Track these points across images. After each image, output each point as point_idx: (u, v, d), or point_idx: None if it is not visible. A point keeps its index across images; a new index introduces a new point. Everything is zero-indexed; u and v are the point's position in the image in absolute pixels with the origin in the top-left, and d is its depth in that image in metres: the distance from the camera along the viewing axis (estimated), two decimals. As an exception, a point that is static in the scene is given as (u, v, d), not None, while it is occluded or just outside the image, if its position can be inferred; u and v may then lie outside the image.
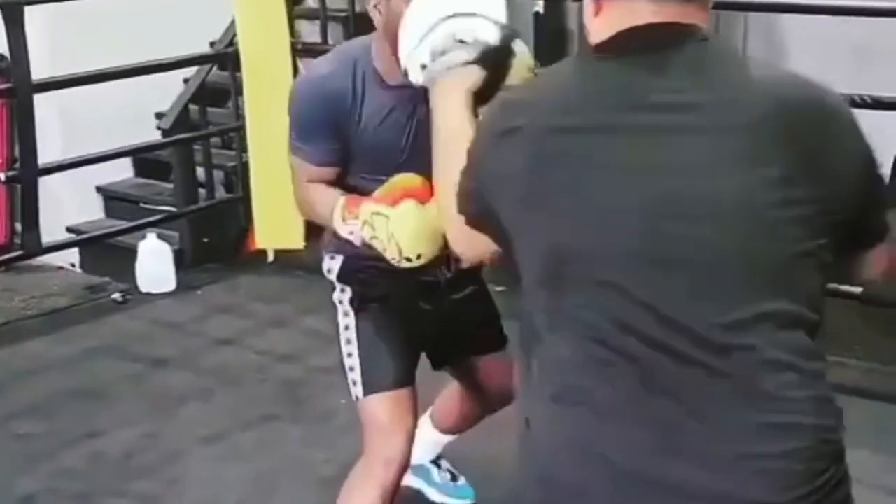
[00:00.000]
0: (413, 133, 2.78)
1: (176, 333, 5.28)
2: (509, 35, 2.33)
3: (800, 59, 4.46)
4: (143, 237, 5.77)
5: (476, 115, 1.98)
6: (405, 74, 2.44)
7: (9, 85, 4.98)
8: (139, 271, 5.77)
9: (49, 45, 5.56)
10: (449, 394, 3.39)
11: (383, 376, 2.95)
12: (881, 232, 1.70)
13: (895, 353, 4.27)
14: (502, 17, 2.38)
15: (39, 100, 5.05)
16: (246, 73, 5.31)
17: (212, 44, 6.25)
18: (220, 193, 6.16)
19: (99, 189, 6.42)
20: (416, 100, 2.77)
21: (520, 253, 1.70)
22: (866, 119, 1.70)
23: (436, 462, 3.58)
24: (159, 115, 6.05)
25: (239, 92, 5.56)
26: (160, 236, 5.81)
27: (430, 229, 2.48)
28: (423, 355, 3.13)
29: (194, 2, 6.13)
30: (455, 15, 2.27)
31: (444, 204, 1.92)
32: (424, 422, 3.44)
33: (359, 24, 5.54)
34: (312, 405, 4.44)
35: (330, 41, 5.81)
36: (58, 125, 5.93)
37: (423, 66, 2.28)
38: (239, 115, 5.67)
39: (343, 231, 2.73)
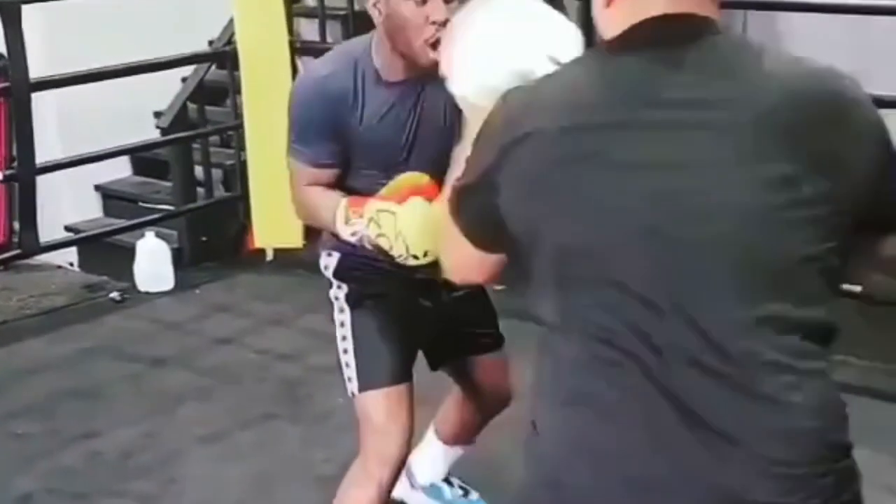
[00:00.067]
0: (413, 130, 2.78)
1: (174, 333, 5.27)
2: None
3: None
4: (142, 236, 5.76)
5: None
6: (445, 78, 2.28)
7: (6, 84, 4.97)
8: (137, 270, 5.76)
9: (47, 44, 5.56)
10: (448, 403, 3.38)
11: (379, 373, 2.94)
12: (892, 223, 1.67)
13: None
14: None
15: (37, 98, 5.05)
16: (244, 72, 5.31)
17: (210, 42, 6.24)
18: (219, 192, 6.15)
19: (97, 188, 6.41)
20: (416, 97, 2.77)
21: (529, 256, 1.67)
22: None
23: (447, 480, 3.56)
24: (158, 114, 6.04)
25: (237, 91, 5.56)
26: (158, 235, 5.80)
27: (437, 227, 2.47)
28: (422, 356, 3.12)
29: (193, 0, 6.13)
30: (551, 59, 2.04)
31: (443, 228, 1.89)
32: (430, 437, 3.44)
33: (357, 22, 5.54)
34: (311, 404, 4.44)
35: (329, 39, 5.80)
36: (56, 124, 5.92)
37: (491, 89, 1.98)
38: (237, 114, 5.67)
39: (346, 232, 2.72)
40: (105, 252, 5.97)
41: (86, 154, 5.46)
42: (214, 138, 6.23)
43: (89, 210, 6.37)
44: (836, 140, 1.55)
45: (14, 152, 5.52)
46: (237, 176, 5.89)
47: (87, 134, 5.68)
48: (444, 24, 2.63)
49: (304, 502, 3.76)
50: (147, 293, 5.72)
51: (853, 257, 1.61)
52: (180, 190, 6.00)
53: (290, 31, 5.48)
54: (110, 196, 6.44)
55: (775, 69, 1.58)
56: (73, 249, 6.13)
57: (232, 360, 4.90)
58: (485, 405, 3.28)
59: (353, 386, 2.97)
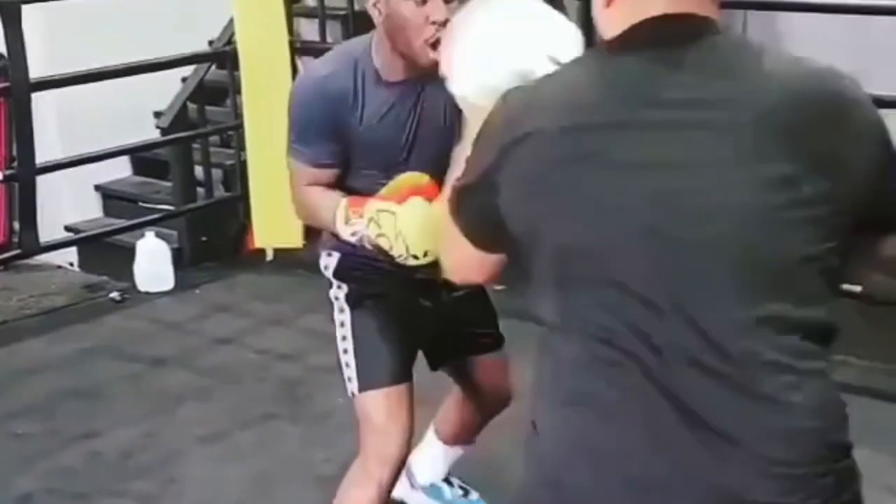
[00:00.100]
0: (413, 130, 2.79)
1: (174, 333, 5.27)
2: None
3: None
4: (142, 236, 5.76)
5: None
6: (445, 78, 2.28)
7: (6, 84, 4.97)
8: (137, 270, 5.76)
9: (47, 44, 5.55)
10: (448, 403, 3.38)
11: (378, 372, 2.94)
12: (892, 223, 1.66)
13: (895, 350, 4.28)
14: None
15: (37, 98, 5.04)
16: (244, 72, 5.31)
17: (210, 42, 6.24)
18: (219, 192, 6.14)
19: (97, 188, 6.41)
20: (416, 97, 2.77)
21: (529, 255, 1.67)
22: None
23: (447, 480, 3.56)
24: (158, 114, 6.04)
25: (237, 90, 5.56)
26: (158, 235, 5.80)
27: (437, 227, 2.47)
28: (421, 356, 3.12)
29: (192, 0, 6.13)
30: (551, 59, 2.03)
31: (443, 228, 1.88)
32: (429, 437, 3.44)
33: (357, 22, 5.54)
34: (311, 404, 4.44)
35: (329, 39, 5.80)
36: (56, 124, 5.92)
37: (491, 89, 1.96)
38: (237, 114, 5.67)
39: (345, 232, 2.72)
40: (105, 252, 5.97)
41: (86, 154, 5.46)
42: (214, 138, 6.23)
43: (89, 210, 6.37)
44: (836, 140, 1.54)
45: (14, 152, 5.52)
46: (237, 176, 5.89)
47: (87, 134, 5.68)
48: (444, 24, 2.63)
49: (303, 502, 3.76)
50: (147, 293, 5.72)
51: (853, 257, 1.61)
52: (180, 190, 6.00)
53: (290, 30, 5.48)
54: (110, 196, 6.44)
55: (775, 69, 1.58)
56: (73, 249, 6.13)
57: (232, 360, 4.90)
58: (485, 405, 3.28)
59: (352, 386, 2.97)
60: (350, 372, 2.96)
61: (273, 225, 5.14)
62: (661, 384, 1.54)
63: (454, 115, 2.54)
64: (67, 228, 6.10)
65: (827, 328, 1.57)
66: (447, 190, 1.94)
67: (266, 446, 4.13)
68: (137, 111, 5.98)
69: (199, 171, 6.04)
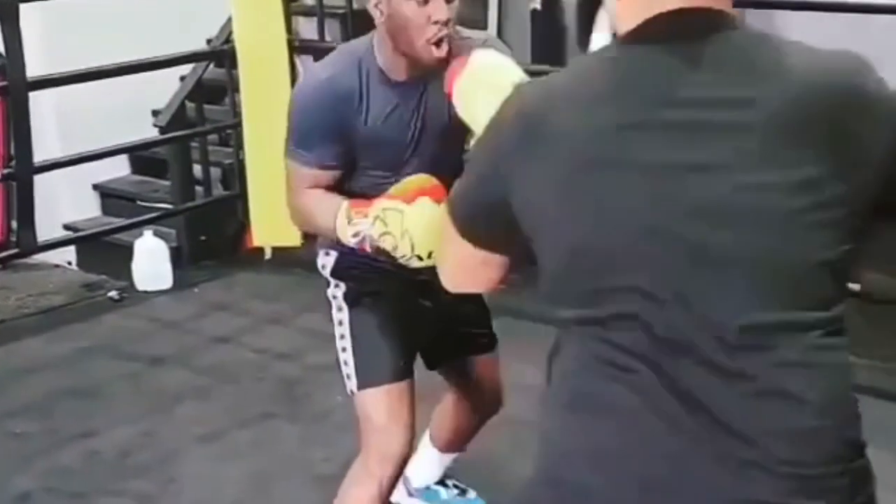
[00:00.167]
0: (418, 129, 2.78)
1: (173, 331, 5.27)
2: None
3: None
4: (140, 235, 5.76)
5: None
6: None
7: (4, 83, 4.96)
8: (136, 269, 5.76)
9: (44, 43, 5.55)
10: (442, 408, 3.37)
11: (378, 370, 2.94)
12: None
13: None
14: None
15: (35, 97, 5.04)
16: (243, 71, 5.31)
17: (208, 41, 6.23)
18: (217, 191, 6.14)
19: (95, 186, 6.40)
20: (419, 96, 2.77)
21: (539, 258, 1.64)
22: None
23: (442, 482, 3.56)
24: (156, 113, 6.03)
25: (236, 89, 5.56)
26: (157, 234, 5.79)
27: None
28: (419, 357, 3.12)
29: (191, -1, 6.13)
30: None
31: (442, 231, 1.85)
32: (424, 443, 3.44)
33: (356, 20, 5.54)
34: (310, 403, 4.43)
35: (327, 38, 5.80)
36: (54, 123, 5.91)
37: None
38: (236, 113, 5.67)
39: (347, 234, 2.69)
40: (103, 251, 5.97)
41: (84, 153, 5.45)
42: (213, 137, 6.23)
43: (88, 209, 6.36)
44: (858, 133, 1.51)
45: (12, 151, 5.51)
46: (236, 175, 5.88)
47: (85, 133, 5.67)
48: (445, 23, 2.63)
49: (302, 501, 3.76)
50: (145, 292, 5.72)
51: (873, 250, 1.58)
52: (179, 189, 5.99)
53: (289, 29, 5.48)
54: (109, 195, 6.43)
55: (794, 64, 1.54)
56: (72, 248, 6.13)
57: (230, 359, 4.89)
58: (480, 406, 3.29)
59: (351, 384, 2.96)
60: (349, 370, 2.96)
61: (271, 224, 5.14)
62: (669, 384, 1.52)
63: (458, 115, 2.53)
64: (66, 227, 6.10)
65: (839, 326, 1.55)
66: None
67: (264, 445, 4.12)
68: (135, 110, 5.97)
69: (197, 169, 6.04)
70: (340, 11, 5.90)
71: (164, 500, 3.83)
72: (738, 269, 1.50)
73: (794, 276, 1.51)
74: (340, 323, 2.98)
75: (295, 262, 5.35)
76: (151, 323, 5.37)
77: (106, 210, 6.42)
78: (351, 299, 2.96)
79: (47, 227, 5.46)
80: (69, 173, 5.67)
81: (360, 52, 2.78)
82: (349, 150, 2.78)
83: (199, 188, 6.05)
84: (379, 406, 2.93)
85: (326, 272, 3.00)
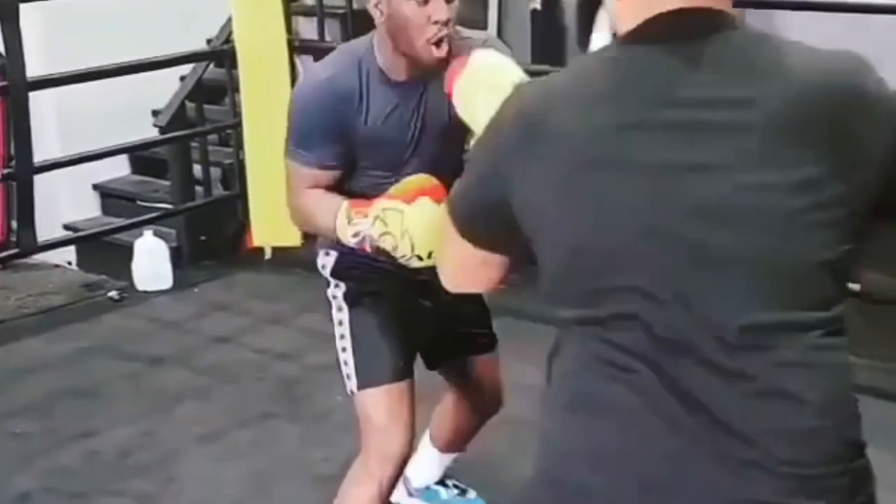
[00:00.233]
0: (418, 129, 2.78)
1: (172, 331, 5.26)
2: None
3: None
4: (140, 235, 5.75)
5: None
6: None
7: (4, 83, 4.96)
8: (136, 269, 5.76)
9: (45, 43, 5.55)
10: (442, 409, 3.37)
11: (378, 370, 2.93)
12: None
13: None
14: None
15: (35, 97, 5.03)
16: (242, 71, 5.31)
17: (208, 41, 6.23)
18: (218, 191, 6.14)
19: (95, 186, 6.40)
20: (419, 96, 2.77)
21: (539, 258, 1.63)
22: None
23: (442, 482, 3.56)
24: (156, 113, 6.03)
25: (236, 89, 5.56)
26: (157, 234, 5.79)
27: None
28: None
29: (191, -1, 6.13)
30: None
31: (442, 231, 1.84)
32: (424, 443, 3.44)
33: (356, 20, 5.54)
34: (310, 403, 4.43)
35: (327, 38, 5.79)
36: (54, 123, 5.91)
37: None
38: (236, 113, 5.67)
39: (347, 233, 2.68)
40: (103, 251, 5.97)
41: (84, 153, 5.44)
42: (213, 137, 6.23)
43: (88, 209, 6.36)
44: (859, 133, 1.50)
45: (12, 151, 5.51)
46: (236, 174, 5.88)
47: (85, 133, 5.67)
48: (445, 23, 2.63)
49: (302, 501, 3.76)
50: (145, 292, 5.72)
51: (873, 250, 1.58)
52: (179, 189, 5.99)
53: (289, 29, 5.48)
54: (109, 195, 6.43)
55: (794, 65, 1.53)
56: (72, 248, 6.13)
57: (230, 359, 4.89)
58: (481, 405, 3.29)
59: (352, 384, 2.96)
60: (349, 370, 2.96)
61: (271, 224, 5.14)
62: (669, 384, 1.52)
63: (457, 115, 2.53)
64: (66, 227, 6.10)
65: (839, 326, 1.55)
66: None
67: (264, 445, 4.12)
68: (135, 110, 5.97)
69: (197, 169, 6.03)
70: (340, 11, 5.90)
71: (164, 500, 3.83)
72: (738, 269, 1.50)
73: (794, 276, 1.50)
74: (340, 323, 2.98)
75: (295, 262, 5.35)
76: (151, 323, 5.37)
77: (106, 210, 6.42)
78: (351, 299, 2.96)
79: (47, 227, 5.46)
80: (69, 173, 5.66)
81: (360, 52, 2.77)
82: (349, 150, 2.77)
83: (199, 188, 6.05)
84: (379, 406, 2.93)
85: (326, 272, 2.99)
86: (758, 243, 1.49)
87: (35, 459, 4.08)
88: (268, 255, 5.64)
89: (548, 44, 5.92)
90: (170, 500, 3.83)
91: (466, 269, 1.85)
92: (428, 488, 3.53)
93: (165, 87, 5.97)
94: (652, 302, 1.52)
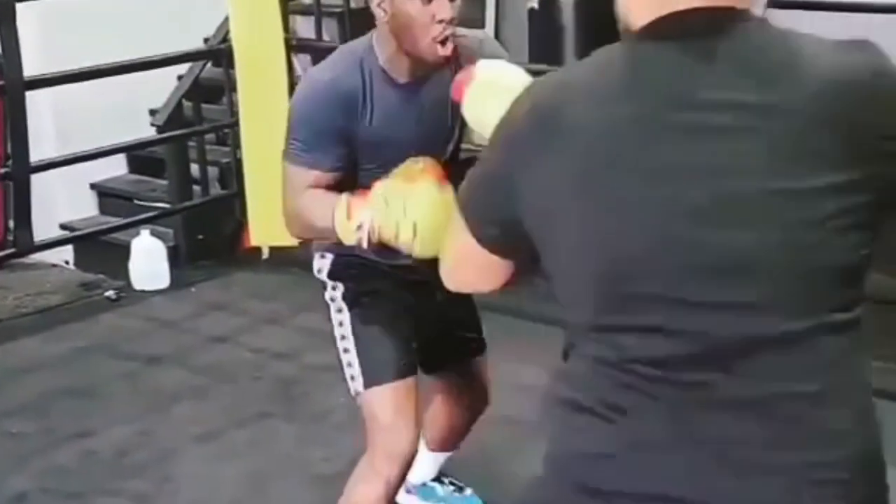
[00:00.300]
0: (420, 128, 2.77)
1: (170, 331, 5.26)
2: None
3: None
4: (137, 234, 5.75)
5: None
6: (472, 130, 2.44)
7: (0, 82, 4.95)
8: (133, 268, 5.75)
9: (41, 42, 5.54)
10: (433, 410, 3.36)
11: (383, 368, 2.92)
12: None
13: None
14: None
15: (32, 97, 5.03)
16: (240, 70, 5.30)
17: (206, 40, 6.22)
18: (215, 190, 6.13)
19: (93, 186, 6.40)
20: (422, 95, 2.76)
21: (548, 262, 1.61)
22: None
23: (438, 479, 3.55)
24: (153, 112, 6.02)
25: (233, 88, 5.55)
26: (154, 233, 5.78)
27: (446, 211, 2.40)
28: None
29: (188, -2, 6.13)
30: None
31: (450, 239, 1.81)
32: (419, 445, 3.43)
33: (353, 19, 5.54)
34: (307, 403, 4.42)
35: (325, 37, 5.79)
36: (51, 122, 5.91)
37: None
38: (233, 112, 5.66)
39: (348, 229, 2.64)
40: (100, 250, 5.96)
41: (81, 152, 5.43)
42: (210, 136, 6.22)
43: (85, 208, 6.36)
44: (881, 127, 1.48)
45: (9, 151, 5.50)
46: (233, 174, 5.87)
47: (82, 132, 5.67)
48: (450, 21, 2.63)
49: (299, 501, 3.75)
50: (142, 291, 5.71)
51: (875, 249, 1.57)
52: (176, 188, 5.99)
53: (286, 28, 5.47)
54: (106, 194, 6.43)
55: (815, 64, 1.50)
56: (69, 248, 6.13)
57: (227, 359, 4.88)
58: (473, 404, 3.30)
59: (356, 384, 2.94)
60: (353, 371, 2.94)
61: (269, 223, 5.12)
62: (688, 391, 1.50)
63: (458, 112, 2.53)
64: (63, 227, 6.10)
65: (860, 325, 1.54)
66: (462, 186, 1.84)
67: (261, 445, 4.11)
68: (133, 109, 5.97)
69: (195, 168, 6.03)
70: (338, 10, 5.89)
71: (161, 499, 3.82)
72: (761, 274, 1.47)
73: (817, 280, 1.49)
74: (341, 324, 2.97)
75: (292, 261, 5.34)
76: (148, 322, 5.36)
77: (103, 209, 6.41)
78: (350, 299, 2.95)
79: (44, 226, 5.45)
80: (66, 172, 5.65)
81: (361, 53, 2.76)
82: (352, 151, 2.76)
83: (196, 187, 6.05)
84: (385, 404, 2.92)
85: (323, 275, 2.98)
86: (783, 249, 1.47)
87: (31, 459, 4.07)
88: (265, 254, 5.63)
89: (545, 43, 5.92)
90: (167, 499, 3.82)
91: (476, 266, 1.78)
92: (424, 485, 3.53)
93: (162, 86, 5.96)
94: (674, 310, 1.50)
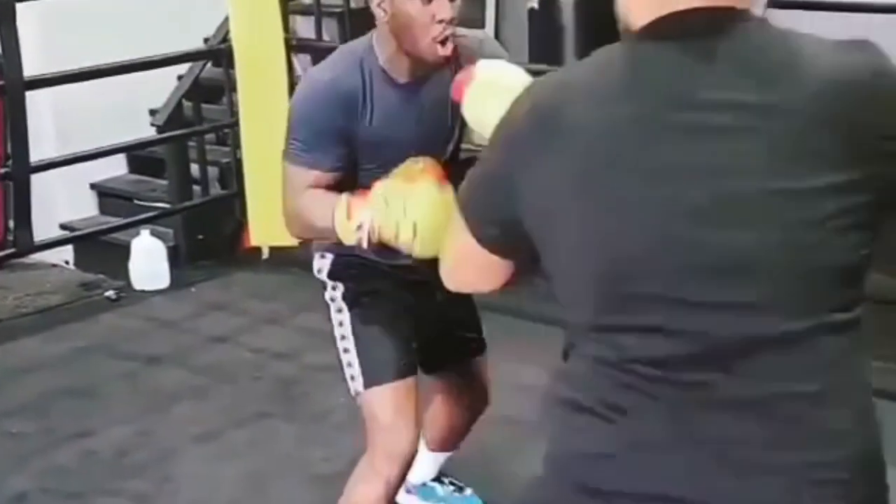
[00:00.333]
0: (420, 128, 2.77)
1: (169, 331, 5.26)
2: None
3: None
4: (137, 234, 5.75)
5: None
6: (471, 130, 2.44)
7: (0, 82, 4.94)
8: (133, 268, 5.75)
9: (41, 42, 5.54)
10: (433, 410, 3.35)
11: (383, 368, 2.92)
12: None
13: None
14: None
15: (32, 97, 5.02)
16: (240, 70, 5.30)
17: (206, 40, 6.22)
18: (215, 190, 6.13)
19: (93, 186, 6.40)
20: (422, 95, 2.76)
21: (548, 262, 1.61)
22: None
23: (438, 479, 3.55)
24: (153, 112, 6.02)
25: (233, 88, 5.55)
26: (154, 233, 5.78)
27: (446, 211, 2.40)
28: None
29: (188, -2, 6.12)
30: None
31: (451, 239, 1.80)
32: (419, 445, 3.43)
33: (353, 19, 5.54)
34: (307, 403, 4.42)
35: (325, 37, 5.79)
36: (51, 122, 5.91)
37: None
38: (233, 112, 5.66)
39: (348, 229, 2.64)
40: (100, 250, 5.96)
41: (81, 152, 5.43)
42: (210, 136, 6.22)
43: (85, 208, 6.35)
44: (882, 134, 1.48)
45: (9, 151, 5.50)
46: (233, 174, 5.87)
47: (82, 132, 5.67)
48: (450, 21, 2.63)
49: (298, 501, 3.75)
50: (142, 291, 5.71)
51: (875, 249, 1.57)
52: (176, 188, 5.98)
53: (286, 28, 5.47)
54: (106, 194, 6.43)
55: (816, 64, 1.50)
56: (69, 248, 6.13)
57: (227, 359, 4.88)
58: (473, 404, 3.30)
59: (356, 384, 2.94)
60: (353, 371, 2.94)
61: (269, 223, 5.12)
62: (688, 391, 1.50)
63: (458, 112, 2.52)
64: (63, 227, 6.09)
65: (860, 325, 1.54)
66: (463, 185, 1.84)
67: (261, 445, 4.11)
68: (133, 109, 5.97)
69: (195, 168, 6.02)
70: (338, 10, 5.89)
71: (161, 499, 3.82)
72: (761, 274, 1.47)
73: (817, 280, 1.49)
74: (341, 324, 2.96)
75: (292, 261, 5.33)
76: (148, 322, 5.36)
77: (103, 209, 6.41)
78: (350, 299, 2.95)
79: (44, 226, 5.45)
80: (66, 172, 5.65)
81: (361, 53, 2.76)
82: (352, 151, 2.76)
83: (196, 187, 6.04)
84: (386, 404, 2.91)
85: (323, 275, 2.98)
86: (783, 249, 1.47)
87: (31, 459, 4.07)
88: (265, 254, 5.63)
89: (545, 43, 5.92)
90: (166, 499, 3.82)
91: (476, 266, 1.78)
92: (424, 485, 3.53)
93: (163, 86, 5.96)
94: (674, 310, 1.49)
